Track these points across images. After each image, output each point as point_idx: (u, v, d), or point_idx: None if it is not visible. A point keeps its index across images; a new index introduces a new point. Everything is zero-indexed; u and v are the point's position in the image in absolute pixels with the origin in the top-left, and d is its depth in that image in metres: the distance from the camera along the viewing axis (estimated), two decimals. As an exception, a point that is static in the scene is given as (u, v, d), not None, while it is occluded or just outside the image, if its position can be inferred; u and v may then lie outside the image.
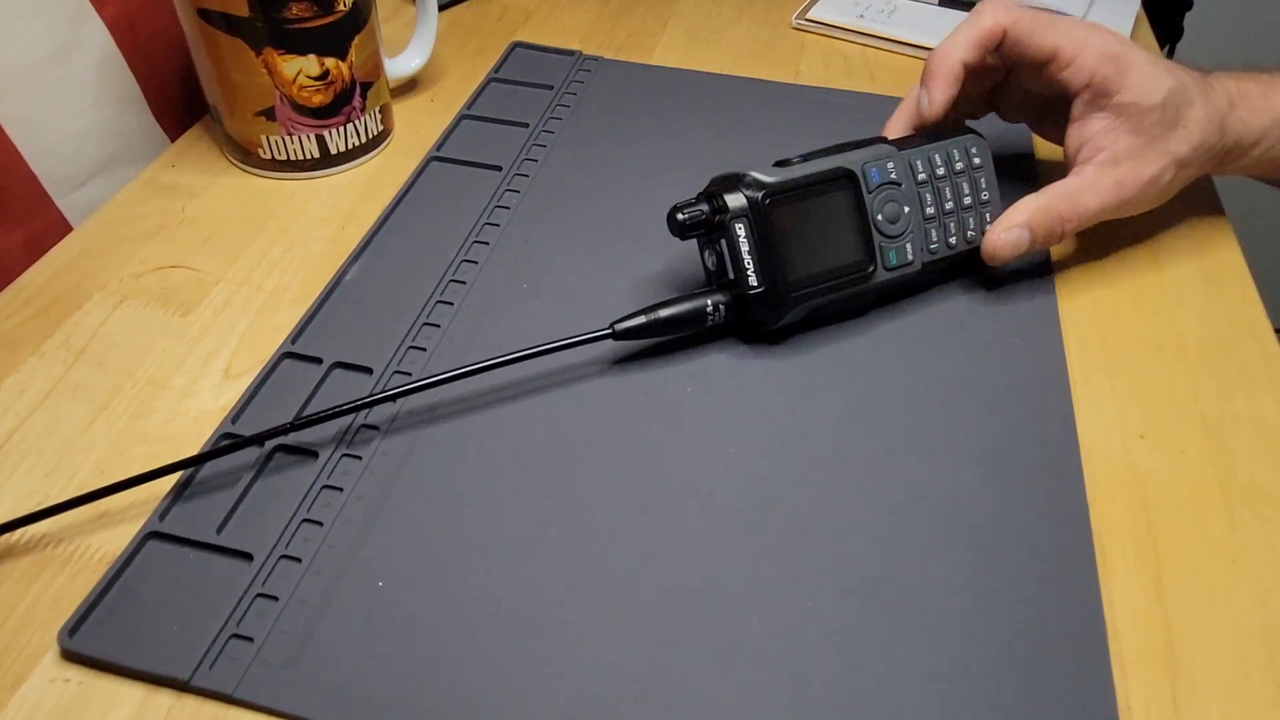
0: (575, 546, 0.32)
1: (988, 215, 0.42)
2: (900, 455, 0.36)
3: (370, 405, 0.34)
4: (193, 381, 0.38)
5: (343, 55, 0.47)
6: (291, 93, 0.46)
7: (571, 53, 0.59)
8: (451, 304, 0.41)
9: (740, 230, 0.37)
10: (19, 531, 0.32)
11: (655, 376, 0.38)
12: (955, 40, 0.42)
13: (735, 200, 0.37)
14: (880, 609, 0.31)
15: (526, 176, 0.49)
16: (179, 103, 0.52)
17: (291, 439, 0.34)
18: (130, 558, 0.31)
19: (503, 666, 0.29)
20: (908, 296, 0.42)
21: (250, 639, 0.29)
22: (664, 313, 0.38)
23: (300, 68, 0.45)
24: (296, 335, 0.39)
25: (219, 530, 0.32)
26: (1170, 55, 1.16)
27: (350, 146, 0.49)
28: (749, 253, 0.37)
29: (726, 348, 0.40)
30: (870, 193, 0.39)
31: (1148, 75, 0.40)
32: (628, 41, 0.62)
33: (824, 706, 0.28)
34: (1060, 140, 0.44)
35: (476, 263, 0.43)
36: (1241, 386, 0.39)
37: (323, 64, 0.46)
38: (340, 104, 0.48)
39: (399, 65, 0.54)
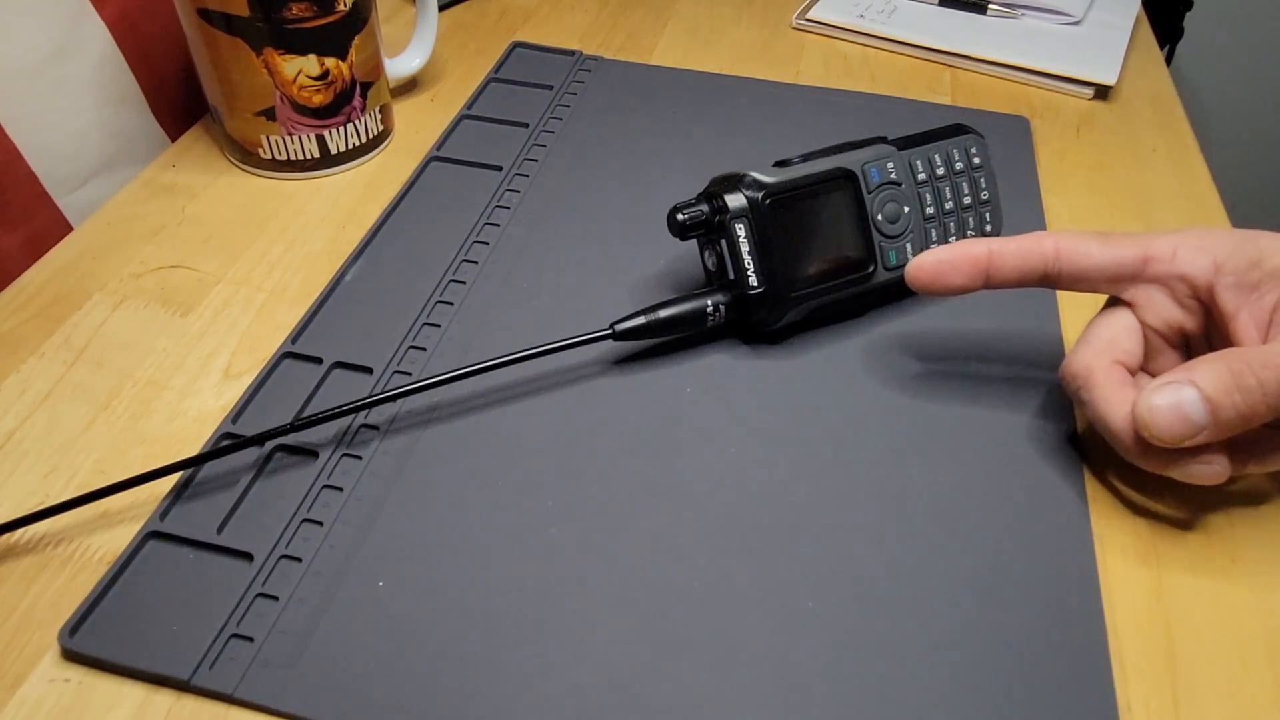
0: (575, 546, 0.32)
1: (987, 215, 0.42)
2: (900, 455, 0.36)
3: (370, 405, 0.34)
4: (193, 381, 0.38)
5: (343, 55, 0.47)
6: (291, 93, 0.46)
7: (571, 53, 0.59)
8: (451, 304, 0.41)
9: (740, 230, 0.37)
10: (19, 531, 0.32)
11: (655, 376, 0.38)
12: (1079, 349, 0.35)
13: (735, 200, 0.37)
14: (880, 609, 0.31)
15: (526, 176, 0.49)
16: (179, 103, 0.52)
17: (291, 439, 0.34)
18: (130, 558, 0.31)
19: (503, 666, 0.29)
20: (908, 296, 0.42)
21: (250, 639, 0.29)
22: (664, 313, 0.38)
23: (300, 68, 0.45)
24: (296, 335, 0.39)
25: (219, 530, 0.32)
26: (1170, 55, 1.16)
27: (350, 146, 0.49)
28: (749, 253, 0.37)
29: (726, 348, 0.40)
30: (870, 193, 0.39)
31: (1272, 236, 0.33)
32: (628, 41, 0.62)
33: (824, 707, 0.28)
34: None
35: (476, 263, 0.43)
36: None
37: (323, 64, 0.46)
38: (340, 104, 0.48)
39: (399, 65, 0.54)
